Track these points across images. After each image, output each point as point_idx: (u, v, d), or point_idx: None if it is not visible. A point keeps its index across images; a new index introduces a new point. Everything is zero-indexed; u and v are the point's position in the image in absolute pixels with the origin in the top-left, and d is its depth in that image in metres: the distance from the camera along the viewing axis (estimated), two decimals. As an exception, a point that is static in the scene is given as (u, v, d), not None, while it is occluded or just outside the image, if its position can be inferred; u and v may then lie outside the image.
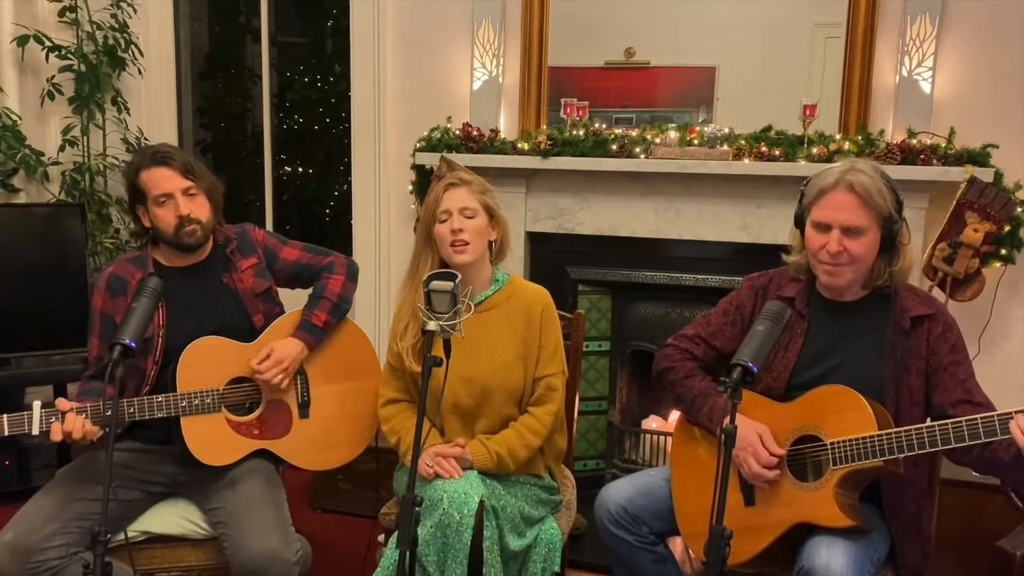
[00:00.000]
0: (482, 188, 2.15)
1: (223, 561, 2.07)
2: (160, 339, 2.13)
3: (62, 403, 1.97)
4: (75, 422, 1.94)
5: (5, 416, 1.95)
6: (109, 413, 1.92)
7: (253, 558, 1.97)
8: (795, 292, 2.00)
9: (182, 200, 2.13)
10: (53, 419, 1.95)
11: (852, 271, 1.87)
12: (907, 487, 1.89)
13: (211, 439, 2.13)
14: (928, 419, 1.88)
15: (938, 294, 2.91)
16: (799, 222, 1.96)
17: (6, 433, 1.95)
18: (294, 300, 2.38)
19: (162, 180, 2.12)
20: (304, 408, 2.28)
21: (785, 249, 2.04)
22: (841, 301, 1.96)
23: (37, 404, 1.96)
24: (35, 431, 1.94)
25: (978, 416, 1.68)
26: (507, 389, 2.11)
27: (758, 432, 1.88)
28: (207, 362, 2.14)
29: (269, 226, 4.23)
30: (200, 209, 2.16)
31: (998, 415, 1.67)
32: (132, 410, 2.05)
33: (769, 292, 2.04)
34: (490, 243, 2.16)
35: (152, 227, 2.18)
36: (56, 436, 1.94)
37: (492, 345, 2.12)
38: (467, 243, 2.08)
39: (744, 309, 2.07)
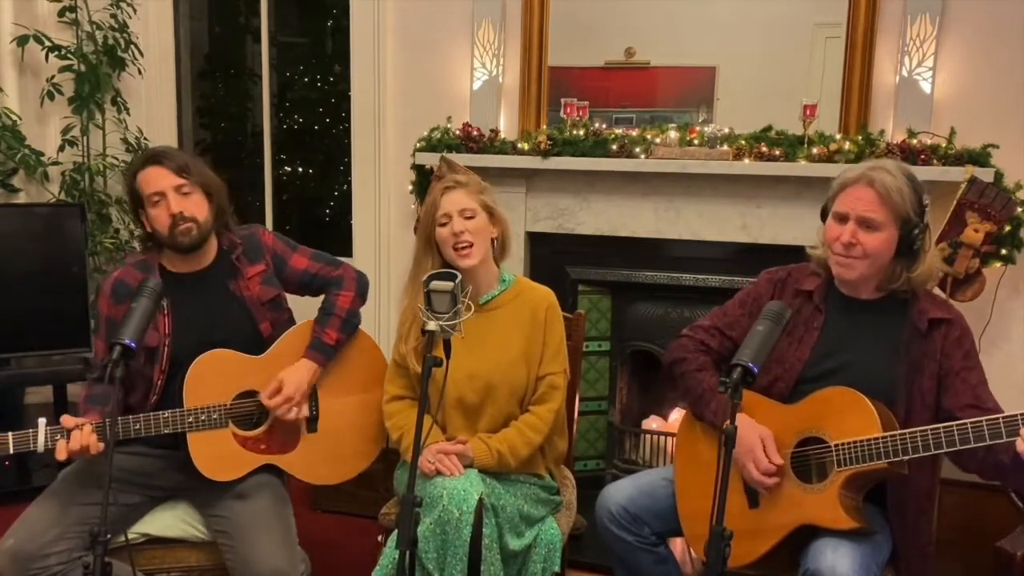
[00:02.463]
0: (479, 188, 2.16)
1: (222, 562, 2.07)
2: (166, 348, 2.10)
3: (67, 420, 1.95)
4: (82, 438, 1.92)
5: (11, 434, 1.93)
6: (110, 421, 1.92)
7: None
8: (814, 286, 2.00)
9: (174, 198, 2.08)
10: (59, 436, 1.93)
11: (864, 265, 1.88)
12: (911, 488, 1.89)
13: (218, 455, 2.10)
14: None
15: (938, 294, 2.91)
16: (824, 215, 1.98)
17: (11, 452, 1.93)
18: (300, 305, 2.37)
19: (154, 179, 2.08)
20: (312, 422, 2.25)
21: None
22: (858, 299, 1.96)
23: (42, 421, 1.94)
24: (40, 449, 1.93)
25: (983, 419, 1.68)
26: (511, 386, 2.12)
27: (760, 436, 1.88)
28: (214, 376, 2.11)
29: (269, 226, 4.22)
30: (195, 207, 2.11)
31: (1003, 417, 1.66)
32: (138, 427, 2.03)
33: (787, 285, 2.04)
34: (492, 241, 2.17)
35: (152, 230, 2.14)
36: (61, 455, 1.92)
37: (497, 343, 2.13)
38: (471, 244, 2.08)
39: (761, 301, 2.03)
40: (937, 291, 2.90)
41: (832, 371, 1.92)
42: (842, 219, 1.89)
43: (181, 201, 2.09)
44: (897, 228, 1.85)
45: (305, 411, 2.21)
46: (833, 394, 1.86)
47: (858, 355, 1.92)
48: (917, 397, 1.86)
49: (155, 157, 2.11)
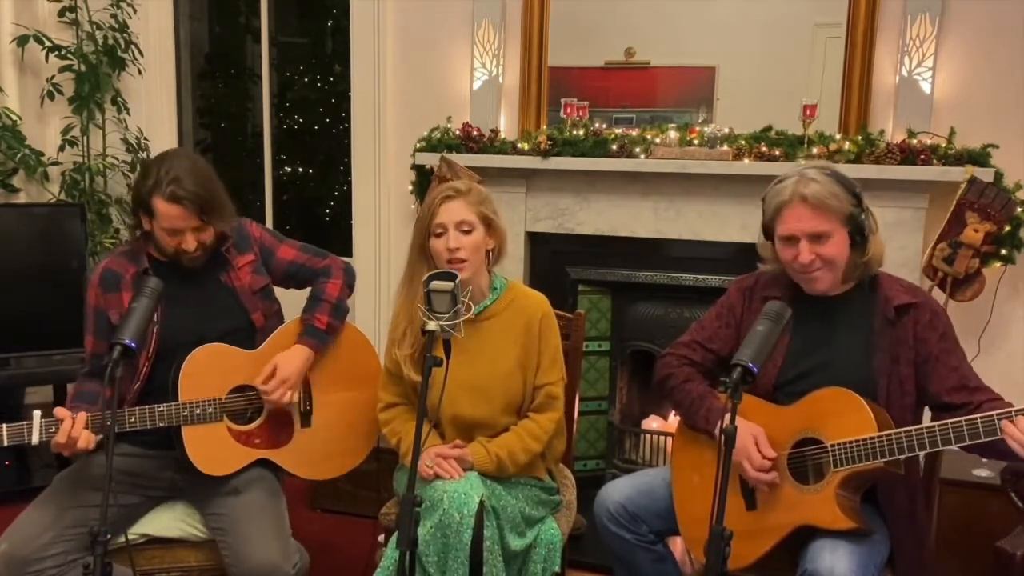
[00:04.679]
0: (479, 198, 2.10)
1: (221, 562, 2.07)
2: (153, 335, 2.09)
3: (61, 411, 1.93)
4: (73, 430, 1.91)
5: (4, 426, 1.91)
6: (108, 414, 1.91)
7: (253, 569, 1.96)
8: (779, 291, 2.01)
9: (190, 236, 2.07)
10: (53, 429, 1.92)
11: (830, 273, 1.90)
12: (897, 482, 1.88)
13: (212, 449, 2.11)
14: (921, 409, 1.89)
15: (938, 294, 2.91)
16: (767, 234, 1.98)
17: (5, 443, 1.91)
18: (289, 299, 2.37)
19: (175, 218, 2.04)
20: (306, 417, 2.26)
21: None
22: (824, 296, 1.97)
23: (37, 414, 1.93)
24: (34, 441, 1.91)
25: (977, 416, 1.68)
26: (507, 398, 2.11)
27: (752, 434, 1.88)
28: (209, 371, 2.11)
29: (269, 226, 4.21)
30: (207, 237, 2.11)
31: (997, 414, 1.67)
32: (133, 419, 2.03)
33: (755, 292, 2.06)
34: (487, 252, 2.12)
35: (151, 237, 2.13)
36: (62, 437, 1.90)
37: (492, 354, 2.10)
38: (464, 260, 2.04)
39: (735, 311, 2.08)
40: (937, 291, 2.92)
41: (808, 371, 1.93)
42: (791, 240, 1.89)
43: (195, 238, 2.08)
44: (845, 227, 1.87)
45: (296, 396, 2.20)
46: (828, 394, 1.86)
47: (832, 352, 1.93)
48: (896, 386, 1.87)
49: (176, 195, 2.01)
